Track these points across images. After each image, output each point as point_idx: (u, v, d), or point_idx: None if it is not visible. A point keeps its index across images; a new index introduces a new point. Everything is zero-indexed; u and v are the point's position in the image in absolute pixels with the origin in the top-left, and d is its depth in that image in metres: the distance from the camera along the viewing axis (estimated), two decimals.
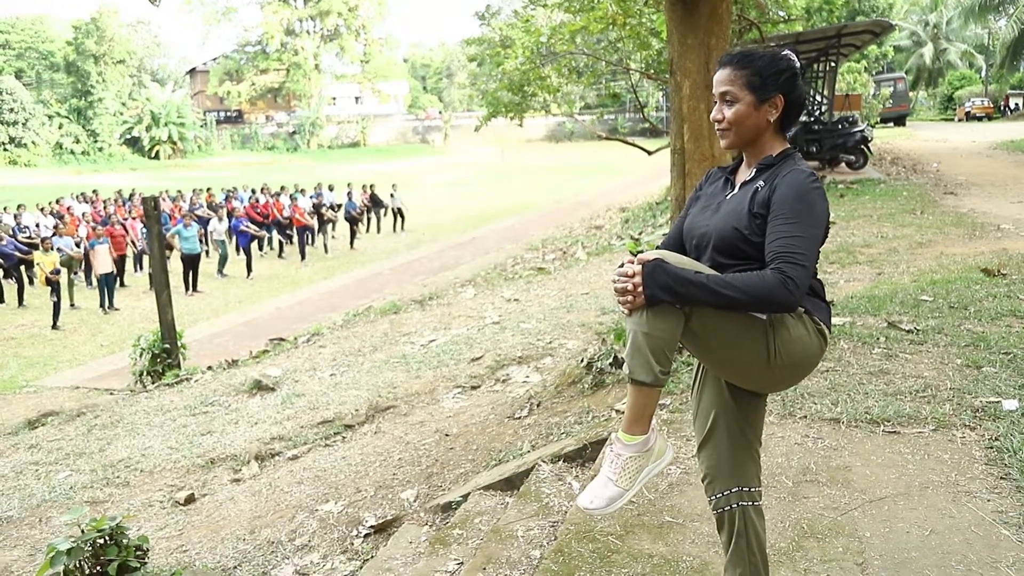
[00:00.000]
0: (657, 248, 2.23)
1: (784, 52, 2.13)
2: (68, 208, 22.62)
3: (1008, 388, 4.08)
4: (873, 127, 25.48)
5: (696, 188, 2.35)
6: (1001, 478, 3.24)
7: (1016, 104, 46.20)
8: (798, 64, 2.14)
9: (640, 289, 1.88)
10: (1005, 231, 9.01)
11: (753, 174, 2.11)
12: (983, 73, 52.60)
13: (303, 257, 20.19)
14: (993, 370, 4.34)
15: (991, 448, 3.49)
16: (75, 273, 16.44)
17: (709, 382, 2.24)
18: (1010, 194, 12.79)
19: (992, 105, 46.00)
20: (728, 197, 2.14)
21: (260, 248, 20.72)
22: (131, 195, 25.73)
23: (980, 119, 43.74)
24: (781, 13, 13.89)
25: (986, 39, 50.23)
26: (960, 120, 45.62)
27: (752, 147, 2.13)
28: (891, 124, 39.60)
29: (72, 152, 53.53)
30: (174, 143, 55.86)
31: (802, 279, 1.88)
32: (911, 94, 49.88)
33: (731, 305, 1.89)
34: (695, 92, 4.97)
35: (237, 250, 19.46)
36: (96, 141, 54.53)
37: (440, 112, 70.13)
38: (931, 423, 3.74)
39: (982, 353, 4.57)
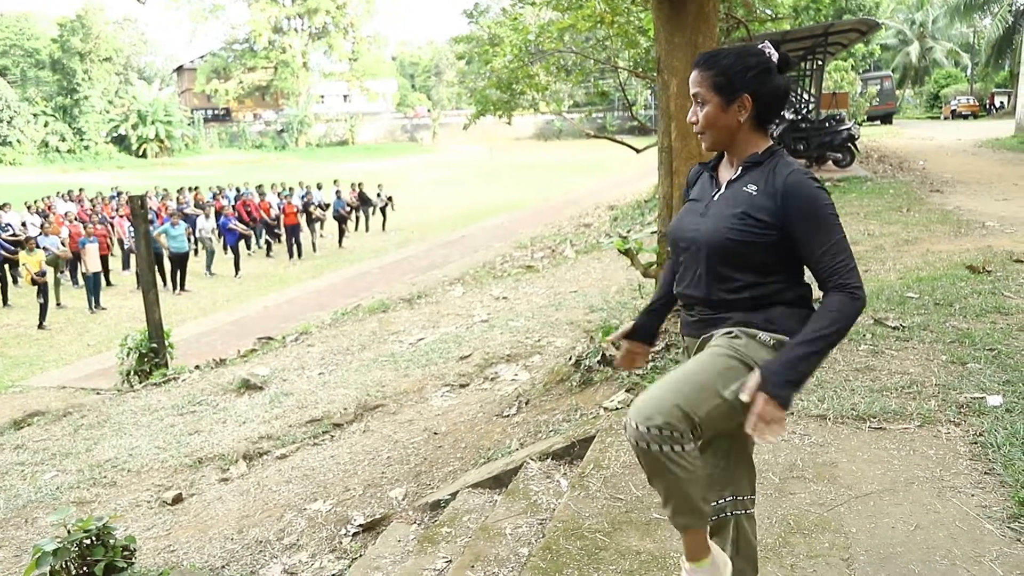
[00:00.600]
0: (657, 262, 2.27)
1: (756, 47, 2.04)
2: (51, 207, 22.49)
3: (992, 384, 4.11)
4: (860, 125, 25.62)
5: (684, 191, 2.29)
6: (985, 473, 3.27)
7: (1001, 102, 46.52)
8: (774, 55, 2.03)
9: (780, 412, 1.83)
10: (990, 228, 9.07)
11: (739, 172, 2.05)
12: (968, 71, 52.94)
13: (291, 255, 20.14)
14: (978, 366, 4.38)
15: (975, 443, 3.52)
16: (61, 272, 16.33)
17: None
18: (995, 192, 12.88)
19: (978, 103, 46.35)
20: (716, 198, 2.07)
21: (248, 247, 20.64)
22: (118, 193, 25.58)
23: (966, 117, 44.05)
24: (769, 11, 13.92)
25: (971, 38, 50.54)
26: (946, 118, 45.92)
27: (731, 147, 2.09)
28: (878, 122, 39.80)
29: (58, 150, 53.17)
30: (161, 141, 55.58)
31: (859, 279, 1.92)
32: (898, 92, 50.16)
33: (831, 348, 1.92)
34: (682, 90, 4.97)
35: (225, 249, 19.38)
36: (82, 139, 54.19)
37: (428, 110, 70.08)
38: (916, 419, 3.77)
39: (967, 349, 4.61)
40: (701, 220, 2.06)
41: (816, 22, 20.97)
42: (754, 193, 1.98)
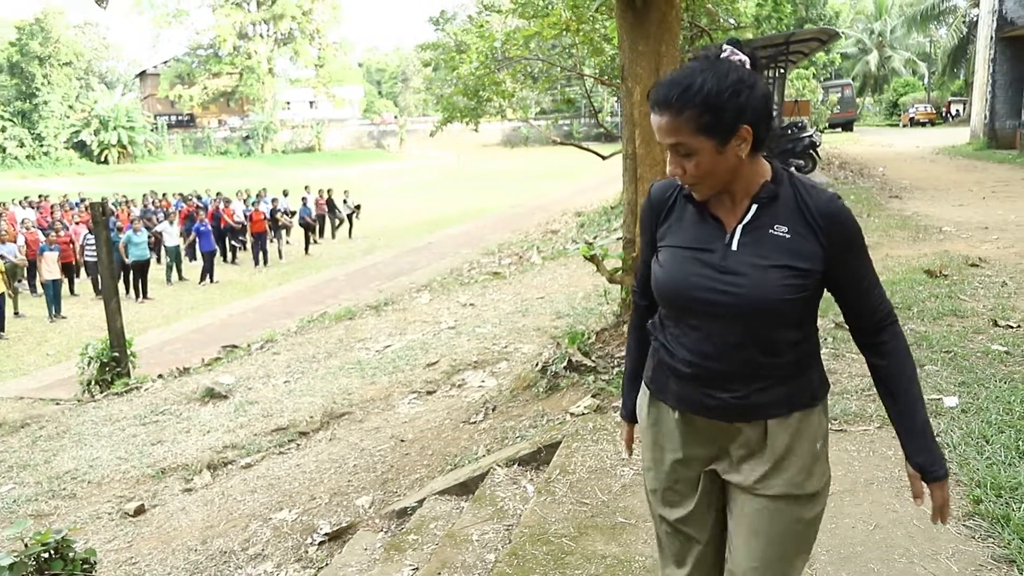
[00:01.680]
0: (635, 299, 1.97)
1: (724, 55, 1.62)
2: (9, 213, 22.00)
3: (949, 385, 4.21)
4: (821, 132, 26.02)
5: (649, 217, 1.84)
6: None
7: (957, 110, 47.57)
8: (745, 60, 1.62)
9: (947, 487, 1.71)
10: (947, 233, 9.27)
11: (755, 212, 1.66)
12: (926, 80, 54.10)
13: (256, 263, 19.95)
14: (935, 368, 4.47)
15: None
16: (19, 280, 16.00)
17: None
18: (952, 198, 13.16)
19: (935, 111, 47.39)
20: (734, 247, 1.65)
21: (226, 258, 20.49)
22: (81, 200, 25.13)
23: (924, 124, 45.04)
24: (732, 20, 14.10)
25: (928, 47, 51.67)
26: (905, 125, 46.89)
27: (732, 185, 1.68)
28: (839, 129, 40.46)
29: (16, 156, 52.09)
30: (123, 147, 54.74)
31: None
32: (858, 100, 51.10)
33: None
34: (646, 98, 5.03)
35: (193, 256, 19.10)
36: (42, 145, 53.15)
37: (396, 117, 69.90)
38: (876, 420, 3.84)
39: (924, 352, 4.71)
40: (726, 278, 1.64)
41: (778, 31, 21.29)
42: (788, 236, 1.63)
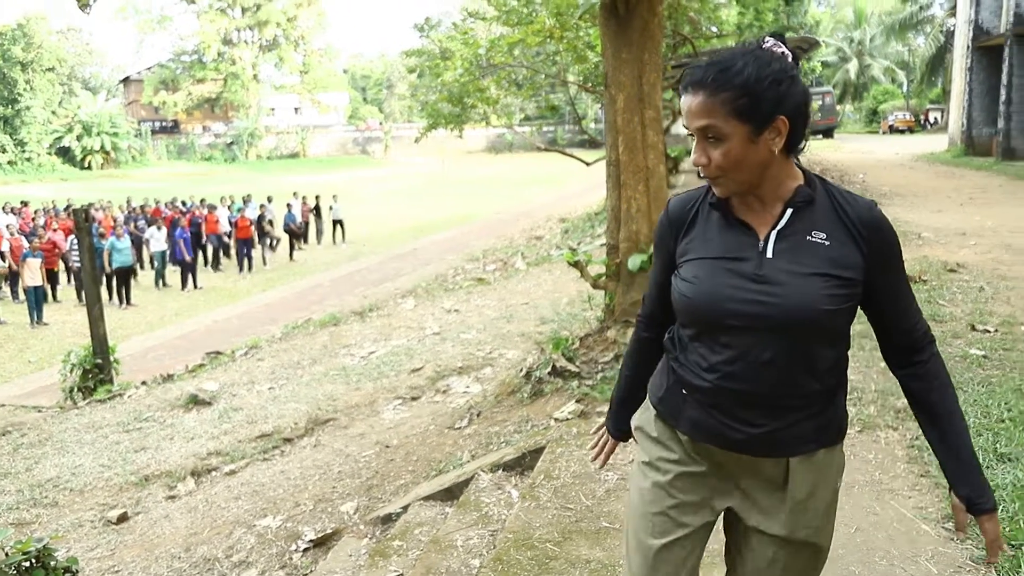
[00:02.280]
0: (639, 331, 1.84)
1: (766, 45, 1.53)
2: None
3: None
4: (806, 139, 26.19)
5: (668, 229, 1.70)
6: (921, 476, 3.39)
7: (935, 118, 48.11)
8: (788, 55, 1.53)
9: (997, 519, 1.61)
10: (926, 239, 9.37)
11: (790, 217, 1.55)
12: (904, 88, 54.66)
13: (241, 269, 19.87)
14: None
15: (912, 447, 3.65)
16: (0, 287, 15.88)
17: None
18: (931, 204, 13.30)
19: (913, 119, 47.86)
20: (770, 254, 1.54)
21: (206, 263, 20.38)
22: (67, 207, 24.91)
23: (903, 132, 45.44)
24: (714, 28, 14.23)
25: (907, 56, 52.19)
26: (884, 133, 47.32)
27: (759, 186, 1.56)
28: (820, 136, 40.78)
29: None
30: (107, 153, 54.32)
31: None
32: (838, 107, 51.47)
33: None
34: (629, 105, 5.07)
35: (172, 261, 19.00)
36: (24, 151, 52.64)
37: (380, 123, 69.78)
38: (857, 424, 3.89)
39: None
40: (763, 287, 1.52)
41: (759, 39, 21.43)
42: (827, 243, 1.52)
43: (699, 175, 1.57)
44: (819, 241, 1.52)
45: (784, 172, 1.56)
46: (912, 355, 1.63)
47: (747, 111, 1.47)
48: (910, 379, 1.64)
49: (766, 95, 1.47)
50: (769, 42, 1.53)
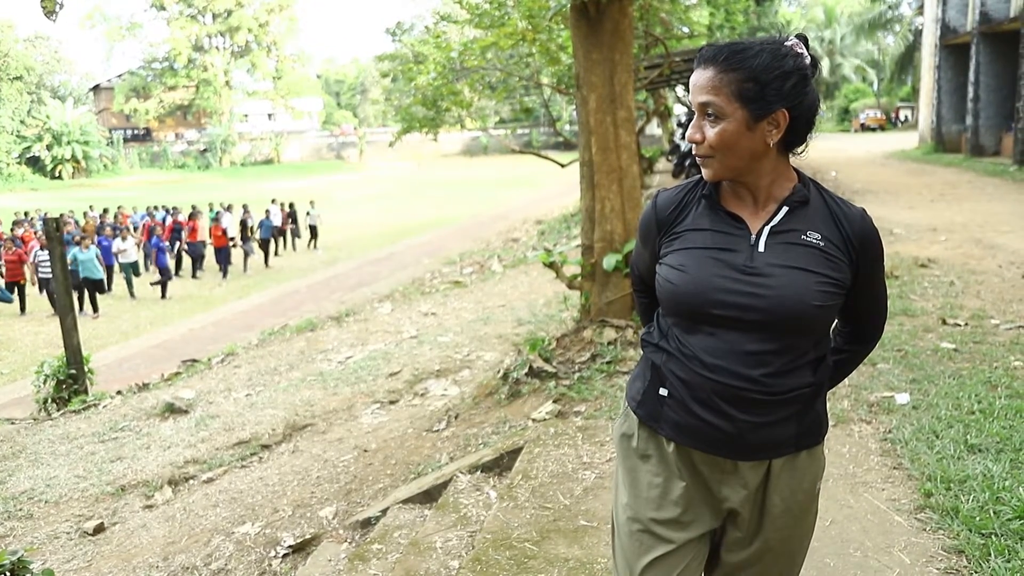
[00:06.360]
0: (637, 297, 1.88)
1: (788, 43, 1.54)
2: None
3: (900, 383, 4.33)
4: None
5: (655, 222, 1.70)
6: (894, 468, 3.44)
7: (906, 116, 48.82)
8: (807, 58, 1.54)
9: None
10: (897, 235, 9.50)
11: (784, 215, 1.58)
12: (875, 86, 55.34)
13: (225, 275, 19.65)
14: (887, 366, 4.60)
15: (885, 440, 3.70)
16: None
17: None
18: (902, 201, 13.48)
19: (884, 117, 48.54)
20: (761, 248, 1.55)
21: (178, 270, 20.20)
22: (45, 216, 24.58)
23: (873, 130, 46.09)
24: (685, 29, 14.32)
25: (877, 54, 52.87)
26: (856, 131, 47.95)
27: (749, 177, 1.58)
28: None
29: None
30: (77, 162, 53.74)
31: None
32: None
33: None
34: (601, 105, 5.10)
35: (147, 268, 18.80)
36: None
37: (355, 128, 69.60)
38: (831, 419, 3.93)
39: (877, 351, 4.82)
40: (753, 279, 1.53)
41: (731, 39, 21.62)
42: (821, 244, 1.55)
43: (677, 165, 1.58)
44: (814, 242, 1.55)
45: (778, 171, 1.59)
46: (856, 343, 1.77)
47: (750, 96, 1.49)
48: (844, 343, 1.77)
49: (772, 85, 1.49)
50: (792, 41, 1.54)
